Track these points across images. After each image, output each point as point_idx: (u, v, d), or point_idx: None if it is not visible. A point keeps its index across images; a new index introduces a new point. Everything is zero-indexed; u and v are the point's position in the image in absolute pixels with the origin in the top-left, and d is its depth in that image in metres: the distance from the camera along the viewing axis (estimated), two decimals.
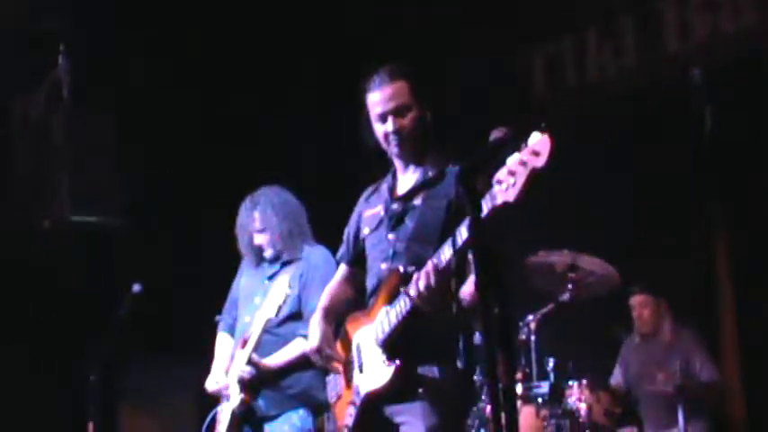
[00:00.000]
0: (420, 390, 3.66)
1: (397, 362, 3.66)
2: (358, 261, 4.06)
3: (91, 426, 5.93)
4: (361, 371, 3.80)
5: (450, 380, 3.69)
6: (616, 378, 6.73)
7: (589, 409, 5.82)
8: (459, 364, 3.70)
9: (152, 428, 8.22)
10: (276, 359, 5.02)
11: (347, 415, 3.83)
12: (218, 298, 8.86)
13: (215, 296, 8.84)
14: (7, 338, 7.18)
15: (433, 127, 3.88)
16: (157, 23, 7.84)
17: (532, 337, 5.99)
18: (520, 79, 8.04)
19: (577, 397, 5.83)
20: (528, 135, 3.20)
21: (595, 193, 7.01)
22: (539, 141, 3.18)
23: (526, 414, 5.75)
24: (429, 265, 3.48)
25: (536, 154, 3.17)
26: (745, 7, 6.78)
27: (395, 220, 3.85)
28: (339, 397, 3.94)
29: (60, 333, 7.38)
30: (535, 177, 3.19)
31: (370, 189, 4.11)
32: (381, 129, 3.87)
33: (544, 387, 5.89)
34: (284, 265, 5.19)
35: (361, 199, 4.12)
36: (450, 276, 3.52)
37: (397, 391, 3.69)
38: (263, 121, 8.35)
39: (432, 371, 3.69)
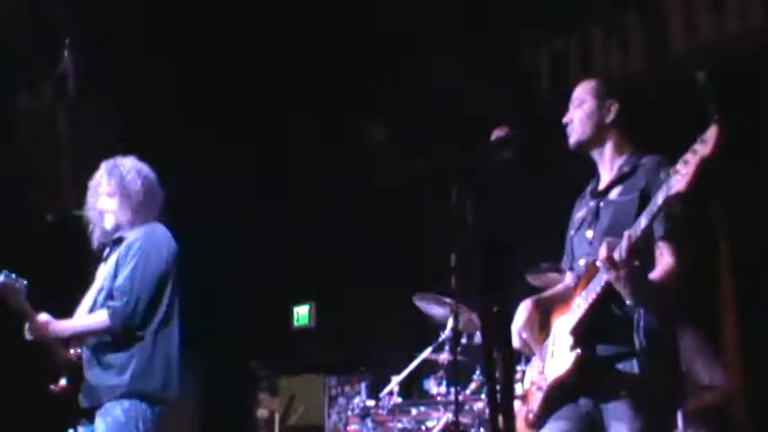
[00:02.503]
0: (623, 391, 3.69)
1: (578, 350, 3.73)
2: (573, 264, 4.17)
3: None
4: (552, 357, 3.89)
5: (654, 376, 3.70)
6: None
7: None
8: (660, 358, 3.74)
9: None
10: (73, 324, 4.88)
11: (534, 399, 3.93)
12: (226, 295, 8.88)
13: (220, 293, 8.87)
14: (8, 333, 7.18)
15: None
16: (163, 18, 7.85)
17: None
18: (525, 77, 8.03)
19: None
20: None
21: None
22: (709, 131, 3.40)
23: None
24: (624, 236, 3.55)
25: (704, 142, 3.38)
26: (752, 7, 6.76)
27: (592, 217, 3.99)
28: (533, 383, 4.02)
29: None
30: (706, 166, 3.38)
31: (582, 194, 4.24)
32: None
33: None
34: (116, 244, 5.04)
35: (576, 204, 4.25)
36: (641, 252, 3.59)
37: (590, 382, 3.75)
38: (266, 117, 8.36)
39: (632, 366, 3.71)
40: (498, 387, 3.15)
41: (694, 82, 6.42)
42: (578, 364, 3.72)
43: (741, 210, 6.69)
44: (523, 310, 4.05)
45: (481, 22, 7.79)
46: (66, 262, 7.36)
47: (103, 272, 4.96)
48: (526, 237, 5.06)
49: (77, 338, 4.84)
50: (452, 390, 6.02)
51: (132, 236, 4.93)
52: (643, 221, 3.52)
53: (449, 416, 5.91)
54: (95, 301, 4.90)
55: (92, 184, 5.09)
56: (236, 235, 8.69)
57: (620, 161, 4.01)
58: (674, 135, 6.79)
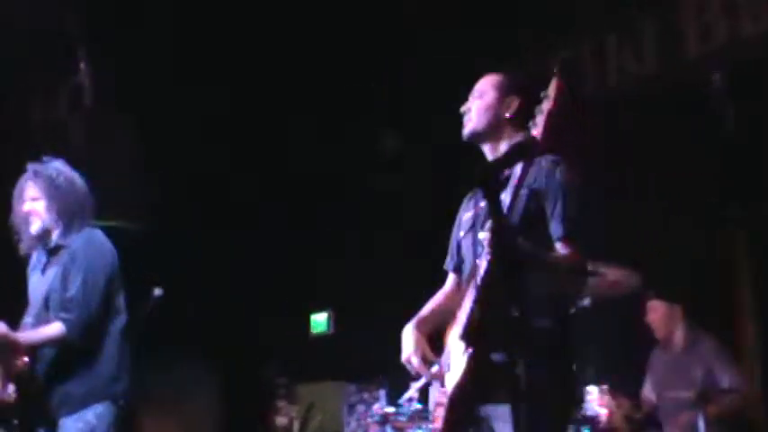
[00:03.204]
0: (508, 390, 3.43)
1: (469, 350, 3.57)
2: (462, 266, 4.06)
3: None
4: (450, 371, 3.73)
5: (546, 378, 3.52)
6: (647, 389, 6.67)
7: (609, 414, 5.79)
8: (555, 359, 3.62)
9: (173, 430, 8.27)
10: (30, 335, 4.82)
11: (438, 418, 3.75)
12: (243, 304, 8.87)
13: (238, 302, 8.87)
14: None
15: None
16: (179, 24, 7.88)
17: None
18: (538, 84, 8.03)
19: (598, 402, 5.80)
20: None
21: (616, 198, 7.01)
22: (550, 86, 3.41)
23: None
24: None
25: (547, 98, 3.39)
26: (765, 10, 6.76)
27: (483, 218, 3.84)
28: (438, 404, 3.83)
29: None
30: (553, 120, 3.37)
31: (469, 194, 4.12)
32: None
33: None
34: (54, 253, 4.96)
35: (462, 204, 4.14)
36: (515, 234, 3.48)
37: (484, 386, 3.59)
38: (279, 122, 8.37)
39: (519, 369, 3.48)
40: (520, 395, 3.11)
41: (710, 84, 6.45)
42: (472, 364, 3.55)
43: (759, 211, 6.68)
44: (408, 336, 3.94)
45: (497, 28, 7.80)
46: None
47: (44, 282, 4.90)
48: None
49: (31, 349, 4.81)
50: None
51: (74, 244, 4.87)
52: (507, 199, 3.48)
53: None
54: (39, 312, 4.85)
55: (16, 190, 5.00)
56: (253, 242, 8.70)
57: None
58: (688, 138, 6.85)
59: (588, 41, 7.81)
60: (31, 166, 5.01)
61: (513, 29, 7.83)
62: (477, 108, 3.94)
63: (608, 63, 7.69)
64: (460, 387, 3.61)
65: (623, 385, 6.24)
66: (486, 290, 3.52)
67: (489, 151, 3.95)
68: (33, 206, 4.93)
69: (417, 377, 3.95)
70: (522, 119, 3.80)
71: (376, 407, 6.61)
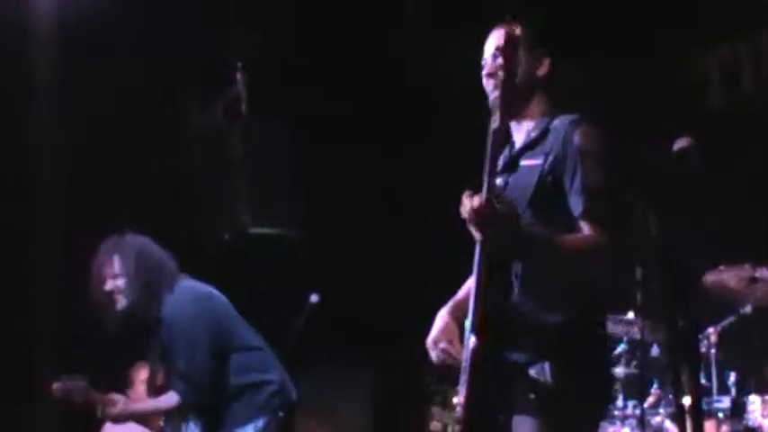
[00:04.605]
0: (531, 396, 3.17)
1: (472, 340, 3.13)
2: None
3: None
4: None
5: (567, 381, 3.17)
6: None
7: None
8: (581, 363, 3.18)
9: None
10: (147, 407, 5.31)
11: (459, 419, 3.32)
12: (397, 308, 8.92)
13: (391, 306, 8.93)
14: None
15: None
16: (335, 31, 7.98)
17: (713, 351, 5.88)
18: (694, 83, 7.89)
19: (760, 413, 5.67)
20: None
21: None
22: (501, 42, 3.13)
23: (706, 429, 5.63)
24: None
25: (501, 53, 3.11)
26: None
27: None
28: (459, 403, 3.38)
29: None
30: (508, 79, 3.06)
31: None
32: None
33: (725, 402, 5.76)
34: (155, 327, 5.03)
35: None
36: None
37: (499, 390, 3.20)
38: (435, 130, 8.38)
39: (543, 372, 3.18)
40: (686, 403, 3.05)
41: None
42: (475, 356, 3.10)
43: None
44: (438, 320, 3.50)
45: (651, 26, 7.68)
46: (241, 276, 7.58)
47: (158, 349, 5.14)
48: (707, 242, 4.94)
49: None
50: (629, 404, 5.95)
51: (166, 313, 4.95)
52: (486, 175, 3.05)
53: (627, 431, 5.84)
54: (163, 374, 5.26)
55: (93, 267, 5.04)
56: (409, 247, 8.74)
57: (530, 125, 3.39)
58: None
59: (745, 39, 7.63)
60: (104, 245, 5.07)
61: (670, 29, 7.69)
62: None
63: (764, 61, 7.51)
64: (470, 384, 3.16)
65: None
66: (484, 280, 3.14)
67: (514, 122, 3.45)
68: (116, 284, 4.97)
69: (440, 366, 3.63)
70: (551, 82, 3.44)
71: None
